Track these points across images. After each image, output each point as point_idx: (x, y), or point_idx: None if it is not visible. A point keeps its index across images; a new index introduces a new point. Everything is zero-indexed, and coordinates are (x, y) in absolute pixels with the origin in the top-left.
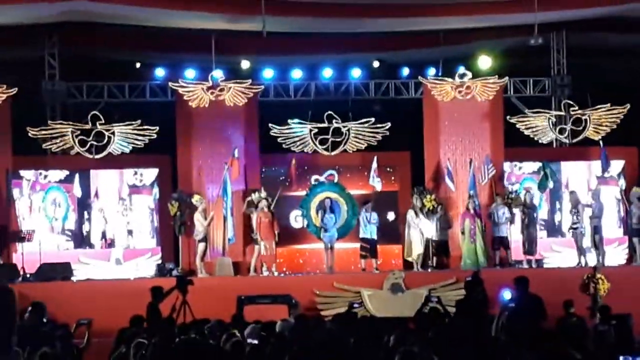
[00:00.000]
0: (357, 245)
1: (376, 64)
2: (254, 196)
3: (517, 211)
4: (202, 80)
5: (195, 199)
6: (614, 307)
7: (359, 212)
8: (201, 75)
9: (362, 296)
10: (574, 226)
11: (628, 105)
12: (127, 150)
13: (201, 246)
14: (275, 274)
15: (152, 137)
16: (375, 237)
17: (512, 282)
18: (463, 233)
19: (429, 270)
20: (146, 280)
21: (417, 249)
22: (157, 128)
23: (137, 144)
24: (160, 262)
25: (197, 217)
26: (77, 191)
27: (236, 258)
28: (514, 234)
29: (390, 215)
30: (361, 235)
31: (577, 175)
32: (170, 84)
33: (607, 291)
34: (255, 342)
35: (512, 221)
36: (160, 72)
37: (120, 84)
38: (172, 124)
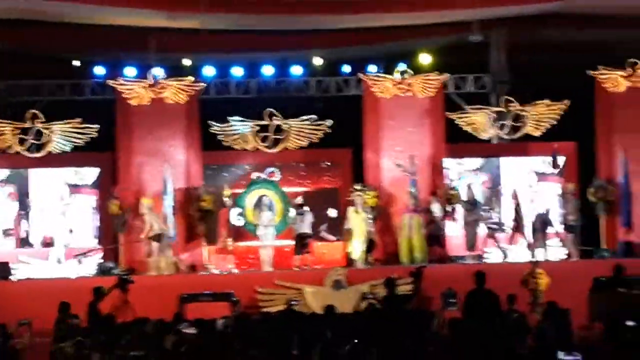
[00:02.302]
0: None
1: (318, 60)
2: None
3: (458, 207)
4: (142, 78)
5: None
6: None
7: (296, 209)
8: (141, 73)
9: (304, 293)
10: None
11: (567, 101)
12: (67, 149)
13: (155, 244)
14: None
15: (92, 136)
16: (310, 232)
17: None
18: (402, 229)
19: (371, 266)
20: (87, 279)
21: (359, 246)
22: (98, 126)
23: (78, 143)
24: (101, 261)
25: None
26: (16, 190)
27: (177, 255)
28: (456, 230)
29: (332, 212)
30: (296, 232)
31: (517, 171)
32: (110, 82)
33: (547, 286)
34: (193, 331)
35: (450, 217)
36: (100, 70)
37: (60, 82)
38: (112, 122)
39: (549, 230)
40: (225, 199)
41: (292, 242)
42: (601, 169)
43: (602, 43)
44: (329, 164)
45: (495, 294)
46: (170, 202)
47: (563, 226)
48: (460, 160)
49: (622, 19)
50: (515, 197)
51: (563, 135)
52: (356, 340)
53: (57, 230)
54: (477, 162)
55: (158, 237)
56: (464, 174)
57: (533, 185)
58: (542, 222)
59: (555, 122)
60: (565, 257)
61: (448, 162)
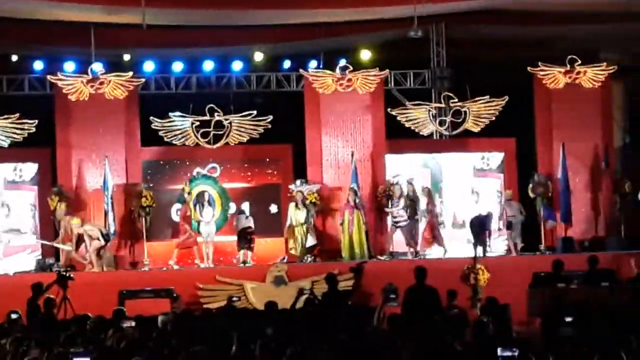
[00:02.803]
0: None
1: (259, 56)
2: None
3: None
4: (81, 73)
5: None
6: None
7: (237, 205)
8: (81, 68)
9: (245, 289)
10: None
11: (506, 97)
12: (5, 145)
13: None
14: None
15: (31, 131)
16: (252, 227)
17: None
18: (342, 224)
19: (311, 261)
20: (26, 275)
21: (299, 241)
22: (36, 122)
23: (16, 138)
24: (40, 257)
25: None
26: None
27: (117, 252)
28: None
29: (273, 208)
30: (238, 227)
31: (457, 167)
32: (49, 77)
33: (486, 282)
34: (132, 324)
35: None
36: (38, 65)
37: None
38: (51, 117)
39: (489, 229)
40: (186, 195)
41: (233, 238)
42: (540, 165)
43: (541, 39)
44: (269, 159)
45: (435, 289)
46: (109, 198)
47: (503, 222)
48: (404, 156)
49: (561, 16)
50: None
51: (502, 131)
52: (295, 337)
53: None
54: (421, 158)
55: (98, 251)
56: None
57: (473, 183)
58: (480, 223)
59: (494, 118)
60: (505, 252)
61: (391, 158)
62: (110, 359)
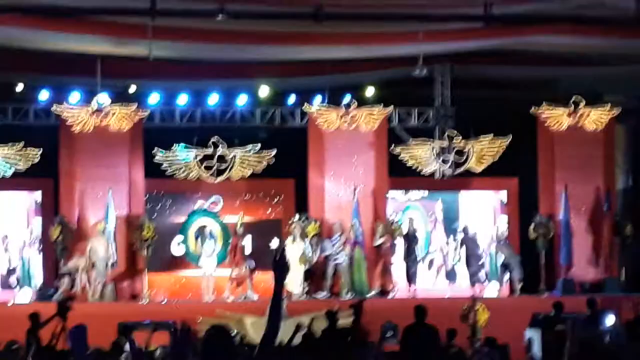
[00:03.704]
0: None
1: (264, 90)
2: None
3: (399, 241)
4: (87, 104)
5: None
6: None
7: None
8: (86, 99)
9: (244, 323)
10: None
11: (510, 137)
12: (8, 173)
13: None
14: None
15: (34, 161)
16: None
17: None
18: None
19: (310, 297)
20: (25, 305)
21: (296, 277)
22: (40, 151)
23: (19, 167)
24: (40, 287)
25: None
26: None
27: (118, 283)
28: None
29: (274, 243)
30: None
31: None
32: (54, 107)
33: (486, 321)
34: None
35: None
36: (44, 95)
37: (2, 106)
38: (55, 147)
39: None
40: (239, 228)
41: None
42: (542, 206)
43: (545, 80)
44: (272, 194)
45: (434, 328)
46: (111, 229)
47: (502, 265)
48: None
49: (566, 57)
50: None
51: (505, 171)
52: None
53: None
54: (421, 194)
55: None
56: (409, 204)
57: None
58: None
59: (497, 158)
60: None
61: (393, 193)
62: None
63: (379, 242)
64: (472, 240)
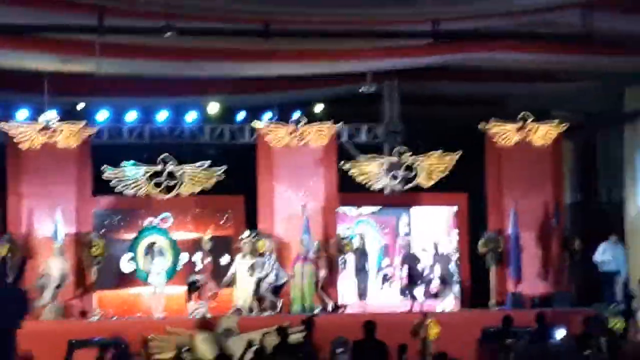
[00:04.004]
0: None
1: (213, 107)
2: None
3: (350, 256)
4: (34, 121)
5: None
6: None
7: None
8: (34, 116)
9: (195, 340)
10: None
11: (460, 152)
12: None
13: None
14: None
15: None
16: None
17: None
18: (294, 277)
19: (260, 314)
20: None
21: (245, 293)
22: None
23: None
24: None
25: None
26: None
27: (67, 302)
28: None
29: (224, 259)
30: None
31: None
32: (1, 124)
33: (436, 336)
34: None
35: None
36: None
37: None
38: (2, 165)
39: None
40: (206, 244)
41: (182, 289)
42: (491, 221)
43: (493, 96)
44: (222, 210)
45: (383, 343)
46: (59, 247)
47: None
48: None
49: (514, 73)
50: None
51: (454, 187)
52: None
53: None
54: (371, 209)
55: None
56: (360, 218)
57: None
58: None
59: (447, 173)
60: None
61: (345, 208)
62: None
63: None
64: (413, 256)
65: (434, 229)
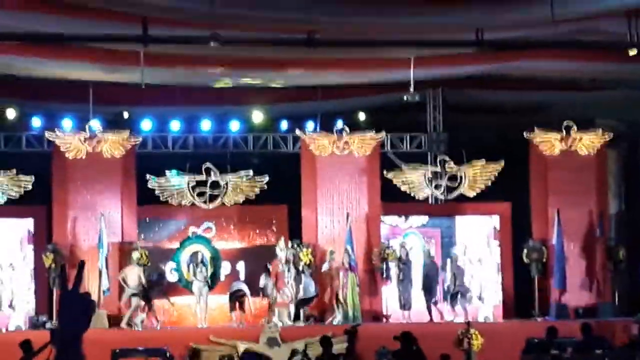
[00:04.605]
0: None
1: (257, 116)
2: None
3: (392, 266)
4: (79, 130)
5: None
6: None
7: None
8: (79, 125)
9: (238, 350)
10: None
11: (502, 162)
12: (1, 201)
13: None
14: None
15: (27, 188)
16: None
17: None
18: (337, 287)
19: (303, 324)
20: (18, 332)
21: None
22: (33, 178)
23: (12, 195)
24: (33, 314)
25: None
26: None
27: (111, 310)
28: (390, 289)
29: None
30: (232, 289)
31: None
32: (46, 134)
33: (480, 347)
34: None
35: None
36: (36, 122)
37: None
38: (48, 174)
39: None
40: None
41: (225, 298)
42: (535, 230)
43: (537, 105)
44: (265, 220)
45: (423, 353)
46: (104, 256)
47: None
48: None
49: (558, 82)
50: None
51: (497, 196)
52: None
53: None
54: (423, 219)
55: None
56: (408, 231)
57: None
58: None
59: (490, 183)
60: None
61: (392, 219)
62: None
63: (324, 268)
64: (459, 266)
65: (477, 239)
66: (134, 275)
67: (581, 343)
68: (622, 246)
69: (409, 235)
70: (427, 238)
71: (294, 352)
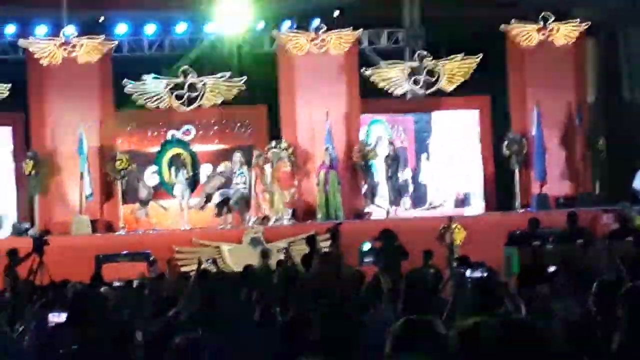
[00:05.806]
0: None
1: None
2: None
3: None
4: (54, 37)
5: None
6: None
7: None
8: (53, 32)
9: (222, 251)
10: None
11: (481, 55)
12: None
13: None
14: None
15: (3, 96)
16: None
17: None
18: (318, 185)
19: (286, 223)
20: (1, 241)
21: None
22: (9, 86)
23: None
24: (15, 221)
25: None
26: None
27: (94, 216)
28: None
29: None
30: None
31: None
32: (20, 41)
33: (462, 241)
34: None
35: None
36: (10, 29)
37: None
38: (24, 82)
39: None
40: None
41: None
42: (514, 123)
43: None
44: (243, 121)
45: (404, 249)
46: (84, 161)
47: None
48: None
49: None
50: None
51: (477, 89)
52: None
53: None
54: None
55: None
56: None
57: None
58: None
59: (469, 77)
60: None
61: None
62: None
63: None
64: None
65: (456, 133)
66: None
67: (563, 234)
68: (601, 136)
69: (374, 124)
70: (399, 127)
71: (264, 253)
